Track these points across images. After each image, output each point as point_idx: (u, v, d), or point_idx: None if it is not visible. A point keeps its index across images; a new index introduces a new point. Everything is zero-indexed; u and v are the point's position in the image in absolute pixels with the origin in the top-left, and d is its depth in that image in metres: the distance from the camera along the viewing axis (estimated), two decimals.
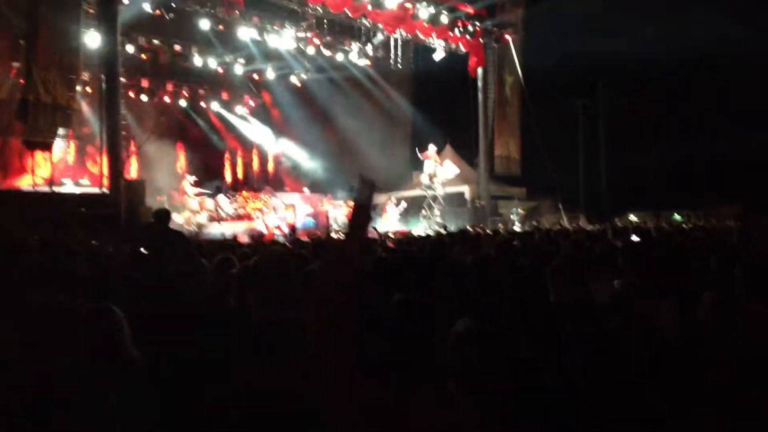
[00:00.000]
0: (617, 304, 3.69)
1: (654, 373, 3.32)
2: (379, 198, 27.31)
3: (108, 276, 6.57)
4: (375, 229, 12.69)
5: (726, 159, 24.92)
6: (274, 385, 3.13)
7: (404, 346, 2.36)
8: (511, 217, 24.23)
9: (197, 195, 22.07)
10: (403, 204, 24.84)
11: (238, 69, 25.75)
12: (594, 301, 4.31)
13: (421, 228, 22.29)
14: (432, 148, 24.36)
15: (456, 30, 23.85)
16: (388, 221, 23.55)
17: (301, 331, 3.34)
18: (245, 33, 21.14)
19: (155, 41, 22.02)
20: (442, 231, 14.81)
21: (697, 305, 3.95)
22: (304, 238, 13.00)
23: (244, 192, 23.73)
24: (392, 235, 15.30)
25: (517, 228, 19.02)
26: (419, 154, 24.48)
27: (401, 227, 22.76)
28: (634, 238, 9.22)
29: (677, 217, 23.31)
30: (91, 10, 17.06)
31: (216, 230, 19.20)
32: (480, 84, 26.21)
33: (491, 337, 2.51)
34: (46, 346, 3.53)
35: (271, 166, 29.73)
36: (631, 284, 3.91)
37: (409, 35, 23.71)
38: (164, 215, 8.11)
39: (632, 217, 21.53)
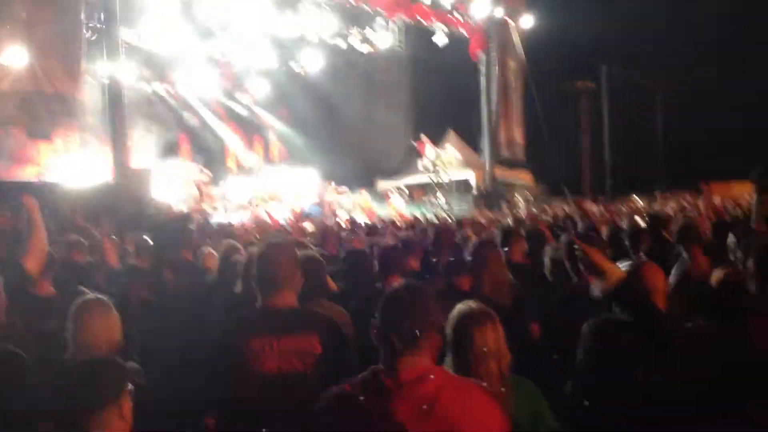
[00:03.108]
0: (623, 298, 3.61)
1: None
2: (383, 184, 27.35)
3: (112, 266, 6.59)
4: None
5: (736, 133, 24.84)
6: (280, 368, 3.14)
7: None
8: (515, 201, 24.14)
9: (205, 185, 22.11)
10: (405, 190, 24.83)
11: (241, 58, 25.67)
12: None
13: (426, 214, 22.28)
14: (424, 138, 24.36)
15: (456, 14, 23.71)
16: (394, 208, 23.52)
17: (302, 317, 3.35)
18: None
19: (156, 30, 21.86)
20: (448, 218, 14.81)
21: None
22: (310, 226, 13.00)
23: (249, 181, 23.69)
24: (398, 222, 15.30)
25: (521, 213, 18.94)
26: (415, 145, 24.49)
27: (406, 214, 22.72)
28: (638, 220, 9.15)
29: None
30: (92, 0, 17.00)
31: (222, 218, 19.18)
32: (482, 69, 26.09)
33: None
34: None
35: (275, 155, 29.64)
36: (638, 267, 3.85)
37: (410, 20, 23.56)
38: (166, 208, 8.10)
39: (636, 199, 21.40)
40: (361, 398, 2.30)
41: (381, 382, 2.31)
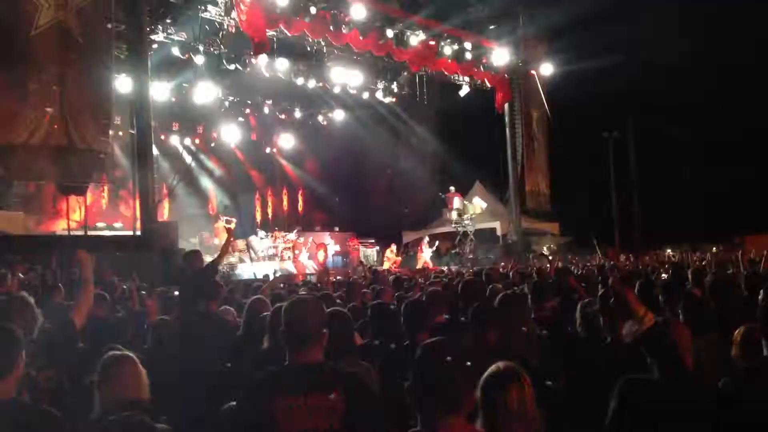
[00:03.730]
0: (654, 342, 3.57)
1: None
2: (410, 236, 27.37)
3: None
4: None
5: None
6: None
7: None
8: (544, 252, 24.03)
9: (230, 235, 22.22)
10: (436, 242, 24.84)
11: (266, 109, 26.07)
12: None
13: (453, 264, 22.26)
14: (452, 189, 24.54)
15: (481, 66, 23.93)
16: (423, 259, 23.54)
17: (327, 374, 3.31)
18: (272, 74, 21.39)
19: (185, 84, 22.25)
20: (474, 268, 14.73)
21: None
22: (335, 277, 12.99)
23: (275, 232, 23.85)
24: (426, 274, 15.26)
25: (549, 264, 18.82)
26: (443, 196, 24.61)
27: (434, 265, 22.72)
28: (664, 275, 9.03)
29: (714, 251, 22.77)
30: (122, 56, 17.40)
31: (248, 270, 19.23)
32: (507, 119, 26.22)
33: None
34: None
35: (300, 205, 29.87)
36: (667, 321, 3.81)
37: (434, 72, 23.81)
38: (194, 256, 8.09)
39: (669, 252, 21.11)
40: None
41: None
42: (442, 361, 2.38)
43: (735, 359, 3.83)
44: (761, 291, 5.20)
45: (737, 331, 3.85)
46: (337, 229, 25.87)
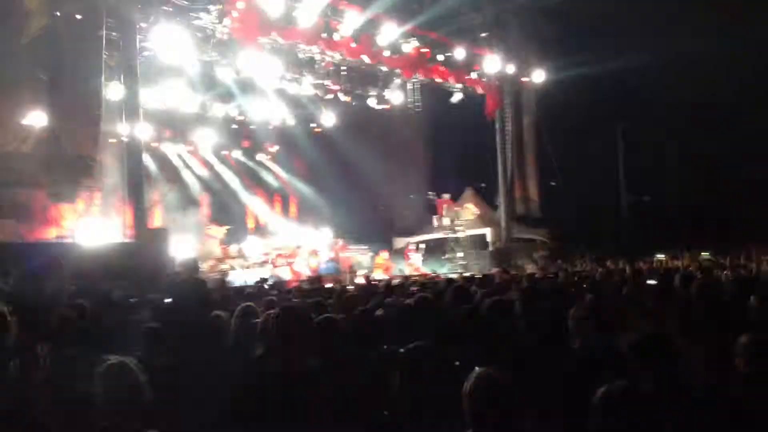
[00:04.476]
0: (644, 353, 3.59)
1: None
2: (401, 242, 27.43)
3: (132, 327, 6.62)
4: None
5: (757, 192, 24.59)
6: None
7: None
8: (534, 258, 24.12)
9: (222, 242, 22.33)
10: (422, 247, 24.94)
11: (258, 116, 26.06)
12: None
13: (443, 270, 22.33)
14: (446, 196, 24.68)
15: (472, 73, 24.04)
16: (412, 265, 23.62)
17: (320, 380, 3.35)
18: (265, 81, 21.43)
19: (176, 91, 22.20)
20: (465, 273, 14.80)
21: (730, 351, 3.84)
22: (327, 284, 13.02)
23: (267, 238, 23.81)
24: (417, 278, 15.33)
25: (538, 270, 18.92)
26: (435, 201, 24.76)
27: (424, 270, 22.79)
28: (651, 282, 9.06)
29: (706, 255, 22.87)
30: (113, 63, 17.37)
31: (240, 277, 19.21)
32: (498, 126, 26.32)
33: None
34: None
35: (293, 212, 29.83)
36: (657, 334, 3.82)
37: (426, 79, 23.90)
38: (192, 265, 8.14)
39: (660, 257, 21.23)
40: None
41: None
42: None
43: (737, 366, 3.76)
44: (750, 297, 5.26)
45: (742, 338, 3.77)
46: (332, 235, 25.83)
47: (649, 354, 3.54)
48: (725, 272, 11.24)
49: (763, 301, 5.04)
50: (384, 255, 24.25)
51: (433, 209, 25.46)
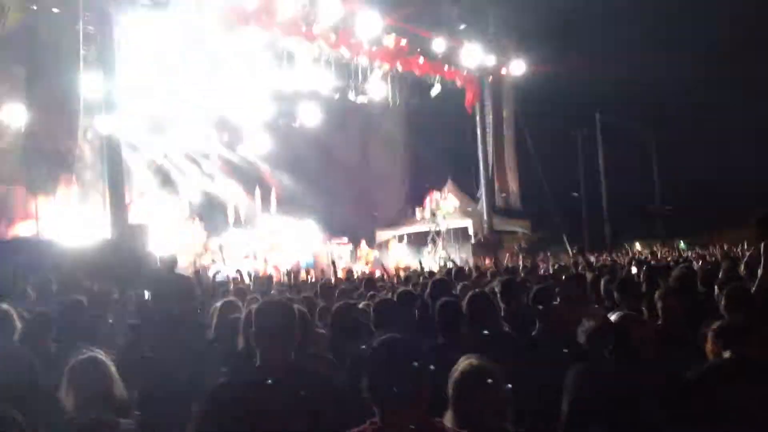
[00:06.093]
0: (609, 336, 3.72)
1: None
2: (383, 234, 27.47)
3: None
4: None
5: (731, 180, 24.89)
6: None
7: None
8: (515, 250, 24.22)
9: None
10: (404, 240, 24.99)
11: (239, 108, 25.93)
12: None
13: (425, 262, 22.38)
14: (424, 187, 24.85)
15: (452, 65, 24.05)
16: (394, 257, 23.64)
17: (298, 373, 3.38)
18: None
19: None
20: (448, 265, 14.86)
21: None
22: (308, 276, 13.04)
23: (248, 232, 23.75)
24: (401, 271, 15.39)
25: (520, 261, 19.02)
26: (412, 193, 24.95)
27: (406, 262, 22.82)
28: (634, 270, 9.17)
29: (683, 245, 23.13)
30: (91, 57, 17.22)
31: (221, 271, 19.15)
32: (477, 118, 26.38)
33: None
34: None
35: (275, 206, 29.76)
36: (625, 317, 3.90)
37: (406, 72, 23.89)
38: (168, 259, 8.13)
39: (638, 246, 21.41)
40: None
41: None
42: (395, 356, 2.47)
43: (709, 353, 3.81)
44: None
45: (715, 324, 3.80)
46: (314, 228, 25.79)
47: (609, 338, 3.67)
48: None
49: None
50: (366, 248, 24.26)
51: (414, 201, 25.51)
